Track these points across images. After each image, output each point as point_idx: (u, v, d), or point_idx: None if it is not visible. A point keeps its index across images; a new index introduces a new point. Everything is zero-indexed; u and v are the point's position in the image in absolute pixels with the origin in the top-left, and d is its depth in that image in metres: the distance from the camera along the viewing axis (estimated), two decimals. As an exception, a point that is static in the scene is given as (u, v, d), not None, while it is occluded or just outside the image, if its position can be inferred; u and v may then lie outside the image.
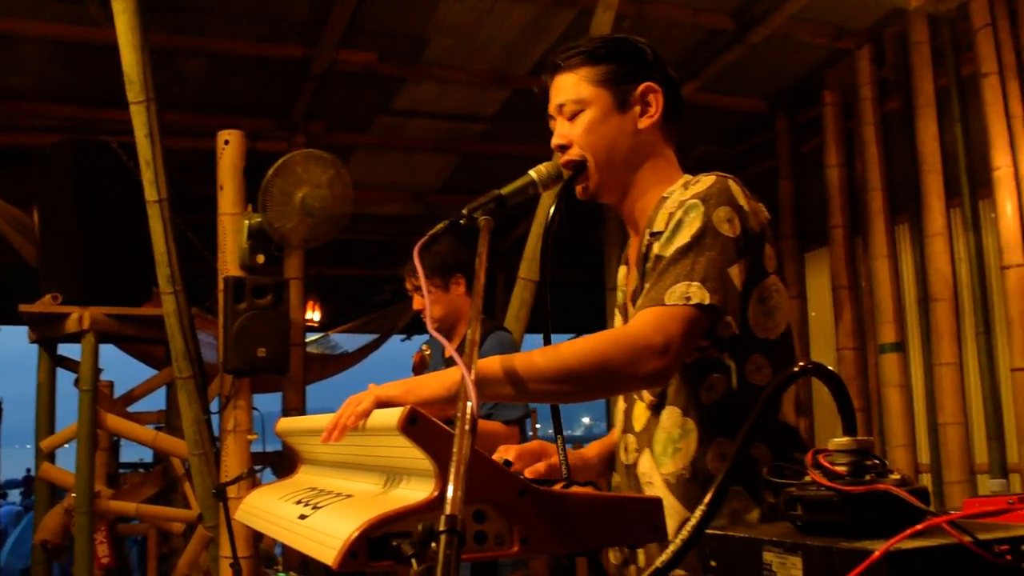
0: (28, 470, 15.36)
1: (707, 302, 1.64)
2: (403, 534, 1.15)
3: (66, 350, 5.70)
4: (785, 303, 1.82)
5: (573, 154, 1.87)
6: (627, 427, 1.92)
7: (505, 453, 1.80)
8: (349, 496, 1.40)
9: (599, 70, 1.88)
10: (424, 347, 3.73)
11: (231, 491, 3.82)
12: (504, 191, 1.73)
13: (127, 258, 5.17)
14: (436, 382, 1.54)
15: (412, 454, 1.24)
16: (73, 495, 5.14)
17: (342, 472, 1.58)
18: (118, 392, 6.21)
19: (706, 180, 1.79)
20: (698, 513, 1.13)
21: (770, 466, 1.72)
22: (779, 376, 1.17)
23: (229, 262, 4.59)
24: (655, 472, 1.81)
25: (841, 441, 1.14)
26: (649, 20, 5.47)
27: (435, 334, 1.60)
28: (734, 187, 1.78)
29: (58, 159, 5.30)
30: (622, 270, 2.05)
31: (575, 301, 9.53)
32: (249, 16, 5.45)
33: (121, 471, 7.40)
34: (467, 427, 1.17)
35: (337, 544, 1.15)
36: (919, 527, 0.99)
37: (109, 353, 5.87)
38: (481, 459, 1.25)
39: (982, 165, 5.26)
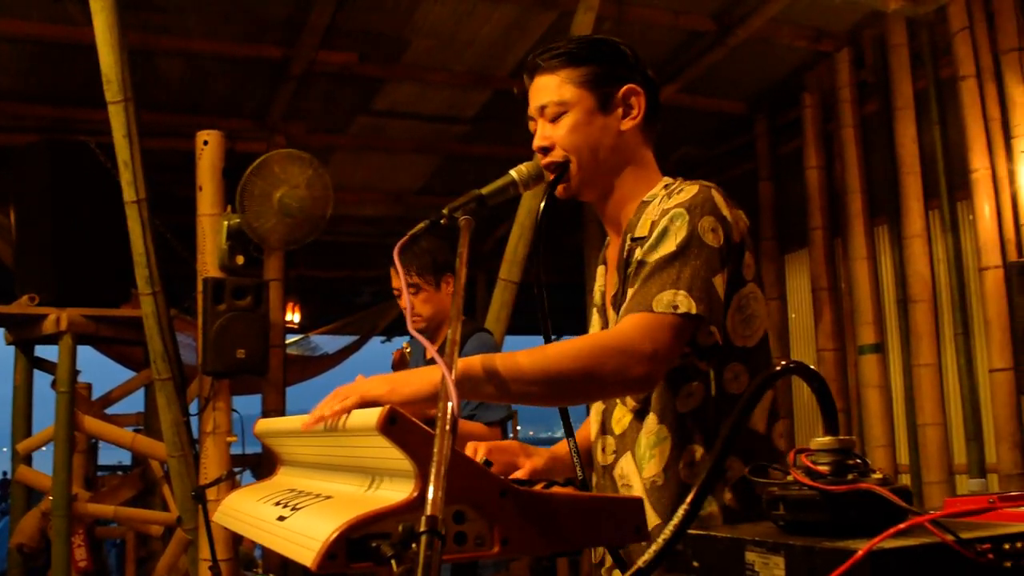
0: (4, 473, 15.22)
1: (694, 311, 1.65)
2: (383, 535, 1.14)
3: (43, 352, 5.67)
4: (762, 310, 1.82)
5: (556, 156, 1.87)
6: (606, 429, 1.92)
7: (477, 448, 1.81)
8: (328, 497, 1.39)
9: (581, 72, 1.87)
10: (405, 344, 3.73)
11: (210, 493, 3.80)
12: (484, 191, 1.73)
13: (105, 259, 5.14)
14: (421, 379, 1.52)
15: (392, 455, 1.23)
16: (50, 498, 5.09)
17: (321, 473, 1.57)
18: (96, 394, 6.18)
19: (690, 189, 1.79)
20: (680, 512, 1.12)
21: (740, 473, 1.75)
22: (762, 374, 1.16)
23: (208, 263, 4.57)
24: (635, 475, 1.82)
25: (823, 441, 1.14)
26: (629, 22, 5.47)
27: (416, 335, 1.58)
28: (717, 197, 1.78)
29: (35, 159, 5.27)
30: (600, 270, 2.05)
31: (554, 303, 9.49)
32: (228, 16, 5.42)
33: (99, 474, 7.36)
34: (447, 427, 1.16)
35: (316, 545, 1.14)
36: (901, 526, 0.98)
37: (87, 355, 5.83)
38: (462, 459, 1.24)
39: (960, 167, 5.29)
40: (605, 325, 1.96)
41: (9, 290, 5.19)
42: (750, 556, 1.07)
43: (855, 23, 5.93)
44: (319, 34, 5.50)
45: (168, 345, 4.49)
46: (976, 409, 5.28)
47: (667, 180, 1.92)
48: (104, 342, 6.12)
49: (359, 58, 5.91)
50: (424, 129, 7.17)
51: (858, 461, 1.12)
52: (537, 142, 1.89)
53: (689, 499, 1.13)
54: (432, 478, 1.07)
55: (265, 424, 1.79)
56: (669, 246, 1.71)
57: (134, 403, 6.65)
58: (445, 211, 1.67)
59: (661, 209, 1.78)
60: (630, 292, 1.73)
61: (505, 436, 3.51)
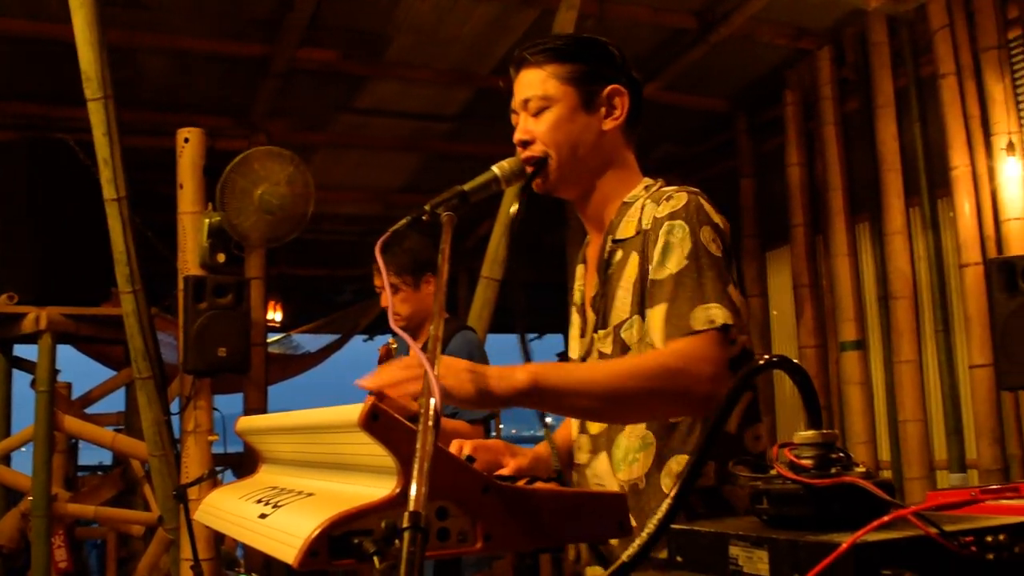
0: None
1: (730, 323, 1.68)
2: (365, 532, 1.13)
3: (22, 351, 5.63)
4: (745, 313, 1.82)
5: (535, 150, 1.86)
6: (582, 428, 1.93)
7: (462, 446, 1.80)
8: (310, 494, 1.38)
9: (567, 68, 1.87)
10: (391, 340, 3.72)
11: (192, 493, 3.78)
12: (467, 187, 1.72)
13: (85, 257, 5.11)
14: (485, 381, 1.53)
15: (374, 451, 1.22)
16: (30, 498, 5.06)
17: (303, 470, 1.56)
18: (76, 393, 6.15)
19: (679, 197, 1.78)
20: (664, 506, 1.12)
21: (710, 480, 1.75)
22: (745, 367, 1.16)
23: (189, 261, 4.55)
24: (610, 476, 1.83)
25: (806, 435, 1.14)
26: (612, 19, 5.47)
27: (398, 331, 1.58)
28: (706, 205, 1.78)
29: (13, 157, 5.24)
30: (580, 269, 2.05)
31: (536, 303, 9.53)
32: (209, 13, 5.40)
33: (79, 474, 7.33)
34: (430, 423, 1.16)
35: (297, 543, 1.13)
36: (885, 519, 0.98)
37: (66, 354, 5.79)
38: (444, 455, 1.24)
39: (941, 165, 5.32)
40: (584, 325, 1.96)
41: (-12, 289, 5.15)
42: (734, 550, 1.07)
43: (836, 21, 5.95)
44: (301, 31, 5.48)
45: (149, 344, 4.46)
46: (956, 405, 5.31)
47: (647, 181, 1.92)
48: (84, 341, 6.08)
49: (341, 56, 5.89)
50: (406, 127, 7.16)
51: (841, 455, 1.12)
52: (518, 135, 1.89)
53: (673, 493, 1.13)
54: (415, 474, 1.07)
55: (247, 422, 1.78)
56: (679, 260, 1.71)
57: (114, 402, 6.62)
58: (427, 207, 1.66)
59: (652, 217, 1.77)
60: (653, 312, 1.72)
61: (487, 434, 3.51)
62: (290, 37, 5.54)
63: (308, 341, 10.08)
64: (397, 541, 1.00)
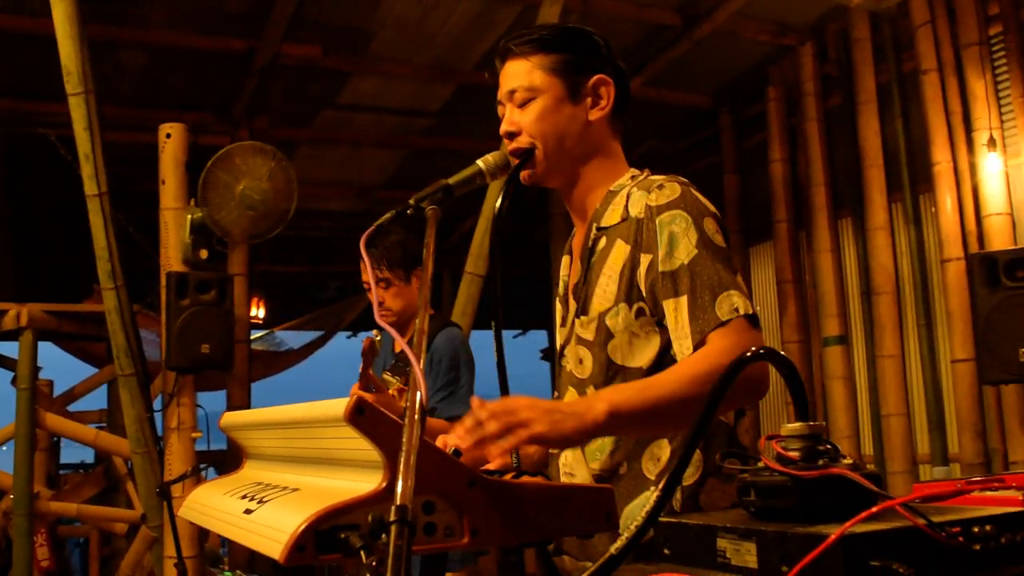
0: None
1: (751, 311, 1.68)
2: (351, 526, 1.12)
3: (3, 348, 5.59)
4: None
5: (522, 141, 1.86)
6: None
7: (447, 441, 1.80)
8: (296, 489, 1.37)
9: (553, 59, 1.86)
10: (375, 332, 3.70)
11: (175, 490, 3.77)
12: (451, 180, 1.71)
13: (66, 254, 5.08)
14: (577, 419, 1.51)
15: (359, 445, 1.21)
16: (11, 496, 5.02)
17: (288, 465, 1.55)
18: (58, 391, 6.10)
19: (671, 187, 1.78)
20: (653, 499, 1.12)
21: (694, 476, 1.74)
22: (733, 360, 1.16)
23: (172, 257, 4.53)
24: (581, 465, 1.83)
25: (794, 427, 1.14)
26: (595, 14, 5.48)
27: (385, 326, 1.57)
28: (701, 196, 1.79)
29: (-8, 152, 5.19)
30: (565, 260, 2.05)
31: (520, 297, 9.52)
32: (190, 8, 5.37)
33: (62, 471, 7.27)
34: (416, 416, 1.15)
35: (283, 538, 1.12)
36: (873, 510, 0.98)
37: (48, 351, 5.76)
38: (430, 449, 1.23)
39: (923, 160, 5.35)
40: (566, 314, 1.95)
41: (-33, 286, 5.11)
42: (722, 543, 1.07)
43: (818, 17, 5.97)
44: (283, 26, 5.46)
45: (131, 340, 4.43)
46: (939, 399, 5.35)
47: (633, 171, 1.93)
48: (66, 338, 6.05)
49: (323, 51, 5.87)
50: (389, 123, 7.14)
51: (828, 447, 1.12)
52: (504, 127, 1.88)
53: (661, 484, 1.13)
54: (401, 468, 1.06)
55: (231, 417, 1.77)
56: (688, 250, 1.71)
57: (97, 400, 6.59)
58: (412, 201, 1.65)
59: (643, 205, 1.77)
60: (673, 304, 1.71)
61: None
62: (273, 32, 5.52)
63: (291, 338, 10.06)
64: (384, 535, 0.99)
